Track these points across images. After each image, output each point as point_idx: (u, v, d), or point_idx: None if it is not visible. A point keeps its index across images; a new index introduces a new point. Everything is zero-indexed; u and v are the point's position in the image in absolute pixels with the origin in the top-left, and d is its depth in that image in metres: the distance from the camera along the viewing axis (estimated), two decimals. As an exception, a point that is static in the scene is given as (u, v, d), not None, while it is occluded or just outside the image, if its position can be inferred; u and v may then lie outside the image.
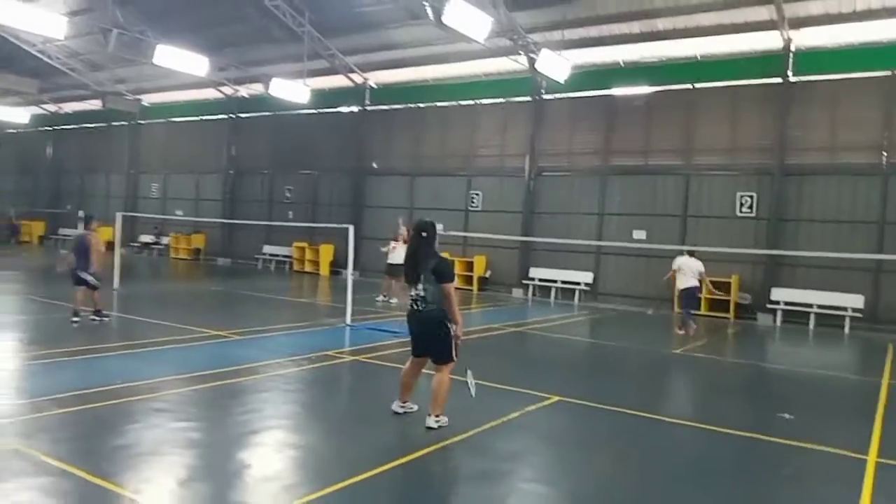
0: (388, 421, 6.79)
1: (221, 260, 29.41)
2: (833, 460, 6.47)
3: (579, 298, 20.97)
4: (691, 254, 14.63)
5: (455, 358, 6.62)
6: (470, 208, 23.70)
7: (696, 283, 14.35)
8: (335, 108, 26.63)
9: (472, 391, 6.88)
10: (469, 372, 6.99)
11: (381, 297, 17.12)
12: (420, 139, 24.88)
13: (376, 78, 25.49)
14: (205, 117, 31.04)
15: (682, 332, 14.39)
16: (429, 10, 13.99)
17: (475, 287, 22.65)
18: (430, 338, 6.58)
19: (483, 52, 20.38)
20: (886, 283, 16.95)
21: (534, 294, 21.84)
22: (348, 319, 12.88)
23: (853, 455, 6.48)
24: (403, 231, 16.20)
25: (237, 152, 29.78)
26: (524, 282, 22.07)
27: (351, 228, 13.39)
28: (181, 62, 20.11)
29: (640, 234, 20.24)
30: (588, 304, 20.55)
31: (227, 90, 29.14)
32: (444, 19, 13.69)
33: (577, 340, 14.16)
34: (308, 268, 25.83)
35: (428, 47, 21.97)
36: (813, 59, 17.99)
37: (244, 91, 28.71)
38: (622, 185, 20.87)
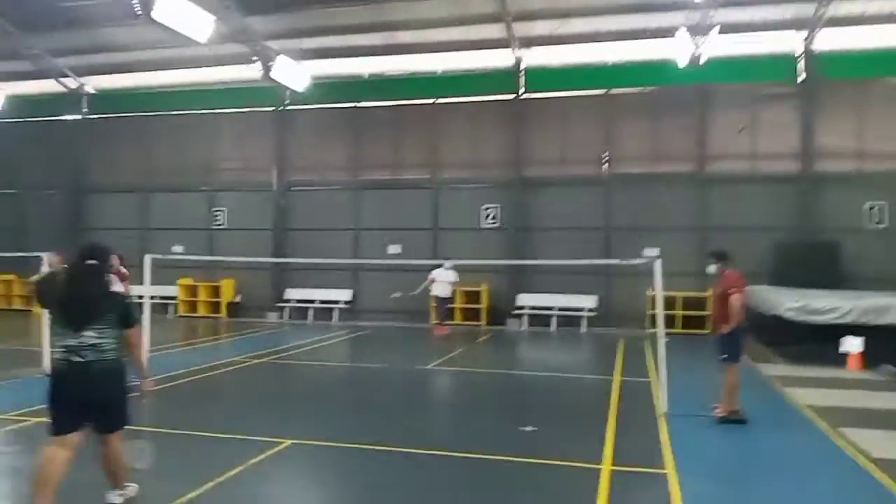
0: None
1: None
2: (570, 474, 6.26)
3: (338, 318, 20.12)
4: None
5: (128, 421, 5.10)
6: (214, 227, 21.73)
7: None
8: (46, 116, 22.94)
9: (143, 463, 5.43)
10: (142, 446, 5.44)
11: None
12: (152, 151, 22.37)
13: (96, 83, 22.44)
14: None
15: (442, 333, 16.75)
16: (136, 5, 12.18)
17: (224, 314, 20.73)
18: (105, 399, 4.86)
19: (216, 58, 18.79)
20: (615, 283, 18.42)
21: (290, 317, 20.55)
22: (48, 367, 10.58)
23: (589, 466, 6.33)
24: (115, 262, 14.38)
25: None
26: (279, 304, 20.69)
27: (45, 255, 11.11)
28: None
29: (394, 249, 19.97)
30: (347, 322, 19.78)
31: None
32: (154, 15, 12.03)
33: (330, 366, 13.25)
34: (18, 304, 21.85)
35: (154, 50, 19.69)
36: (542, 76, 19.12)
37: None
38: (374, 199, 20.50)
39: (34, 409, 8.46)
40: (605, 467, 6.31)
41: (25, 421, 7.87)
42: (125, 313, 4.99)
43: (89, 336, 4.74)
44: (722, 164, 18.20)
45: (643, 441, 7.29)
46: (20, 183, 23.28)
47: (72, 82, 22.15)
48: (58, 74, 21.63)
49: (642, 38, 17.62)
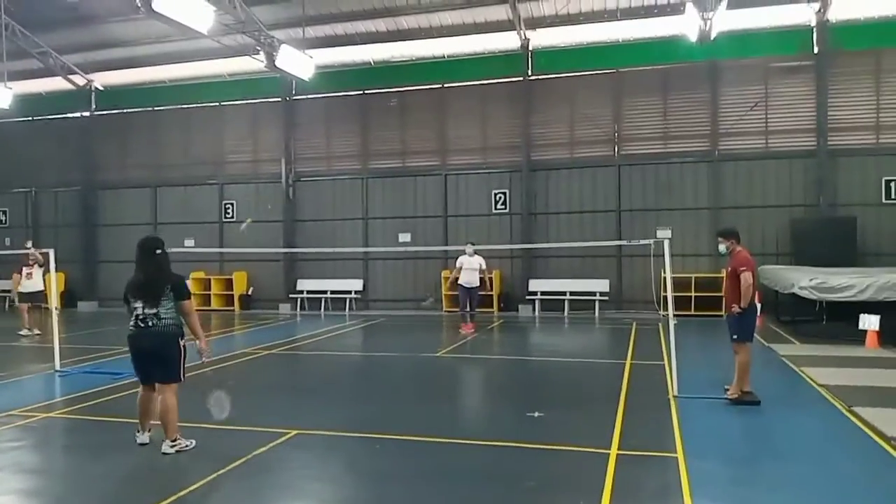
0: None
1: (-80, 302, 24.18)
2: (577, 459, 6.14)
3: (350, 307, 20.12)
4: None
5: (182, 378, 6.49)
6: (225, 220, 21.76)
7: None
8: (55, 114, 23.07)
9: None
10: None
11: (25, 331, 14.83)
12: (160, 146, 22.41)
13: (103, 79, 22.50)
14: None
15: (470, 331, 14.79)
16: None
17: (237, 307, 20.80)
18: (162, 355, 6.37)
19: (222, 49, 18.64)
20: (628, 266, 18.24)
21: (302, 308, 20.57)
22: (57, 364, 10.66)
23: (596, 451, 6.21)
24: (38, 255, 14.86)
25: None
26: (292, 295, 20.71)
27: (51, 252, 11.24)
28: None
29: (405, 237, 19.90)
30: (360, 312, 19.79)
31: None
32: (155, 6, 11.94)
33: (339, 355, 13.18)
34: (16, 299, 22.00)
35: (160, 44, 19.74)
36: (549, 57, 18.87)
37: (-65, 97, 23.80)
38: (383, 187, 20.40)
39: (42, 404, 8.54)
40: (613, 451, 6.19)
41: (33, 416, 7.89)
42: (179, 290, 6.45)
43: (154, 308, 6.31)
44: (735, 142, 17.87)
45: (653, 425, 7.16)
46: (35, 181, 23.49)
47: (79, 79, 22.21)
48: (65, 72, 21.68)
49: (651, 16, 17.32)
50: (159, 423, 6.41)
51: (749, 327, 7.94)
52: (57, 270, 20.12)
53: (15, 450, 6.79)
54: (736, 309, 7.85)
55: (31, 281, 14.90)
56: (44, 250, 12.53)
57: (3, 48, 17.80)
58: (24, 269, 15.05)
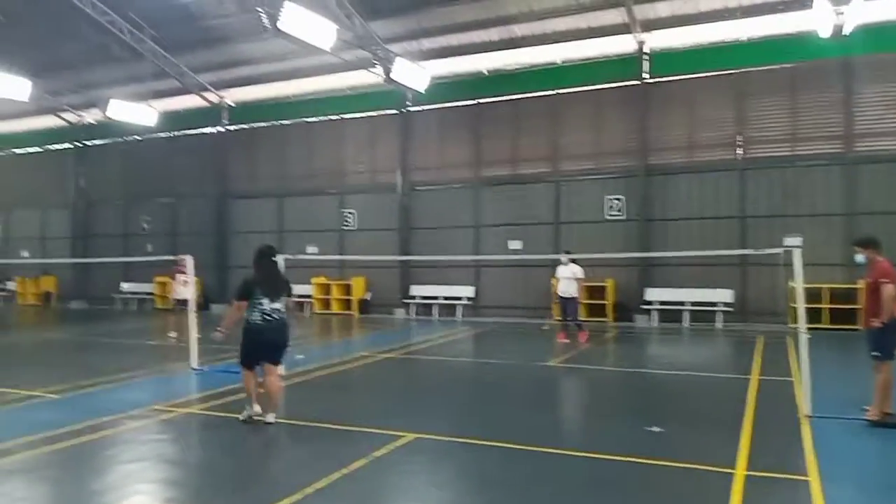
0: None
1: (76, 303, 26.77)
2: (700, 478, 5.91)
3: (462, 314, 20.35)
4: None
5: None
6: (344, 228, 22.64)
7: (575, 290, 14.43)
8: (191, 129, 24.92)
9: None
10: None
11: (174, 334, 15.33)
12: (286, 158, 23.67)
13: (234, 96, 24.04)
14: (48, 147, 28.29)
15: (566, 341, 14.39)
16: (264, 18, 12.90)
17: (356, 311, 21.55)
18: (283, 343, 7.77)
19: (342, 64, 19.48)
20: (753, 276, 17.32)
21: (416, 313, 21.02)
22: (194, 363, 11.47)
23: (721, 470, 5.96)
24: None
25: (86, 184, 27.36)
26: (405, 301, 21.22)
27: (189, 259, 12.19)
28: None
29: (515, 245, 19.89)
30: (470, 318, 19.97)
31: (70, 117, 26.74)
32: (280, 26, 12.66)
33: (453, 361, 13.38)
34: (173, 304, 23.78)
35: (285, 62, 20.85)
36: (667, 59, 18.31)
37: (90, 117, 26.37)
38: (495, 195, 20.50)
39: (180, 400, 9.22)
40: (739, 472, 5.92)
41: (173, 412, 8.54)
42: (291, 289, 7.94)
43: (277, 304, 7.56)
44: (873, 143, 16.59)
45: (783, 445, 6.78)
46: (175, 192, 25.48)
47: (212, 96, 23.83)
48: (200, 90, 23.34)
49: (775, 13, 16.42)
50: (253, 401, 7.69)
51: (891, 344, 7.35)
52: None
53: (158, 442, 7.39)
54: (875, 323, 7.31)
55: (186, 287, 15.58)
56: (182, 257, 13.36)
57: (148, 73, 19.47)
58: (177, 276, 16.17)
